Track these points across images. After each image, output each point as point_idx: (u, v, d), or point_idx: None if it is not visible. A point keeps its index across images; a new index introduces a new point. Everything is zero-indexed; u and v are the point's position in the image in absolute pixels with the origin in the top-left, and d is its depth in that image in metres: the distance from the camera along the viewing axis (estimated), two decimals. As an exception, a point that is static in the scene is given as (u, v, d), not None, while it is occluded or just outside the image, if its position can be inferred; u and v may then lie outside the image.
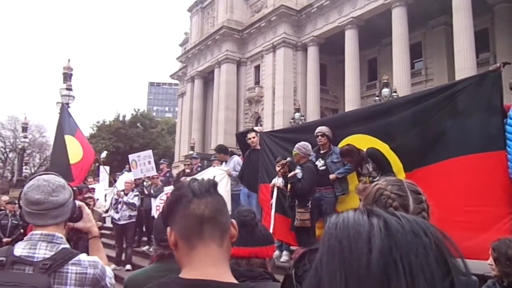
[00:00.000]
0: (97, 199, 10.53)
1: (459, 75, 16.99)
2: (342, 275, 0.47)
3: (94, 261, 1.73)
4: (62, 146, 8.18)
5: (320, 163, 5.58)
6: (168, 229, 1.09)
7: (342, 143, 5.34)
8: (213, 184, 1.11)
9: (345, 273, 0.47)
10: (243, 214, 1.66)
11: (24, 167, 29.37)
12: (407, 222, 0.50)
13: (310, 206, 5.37)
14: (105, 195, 11.79)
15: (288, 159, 5.60)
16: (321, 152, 5.67)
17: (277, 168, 5.86)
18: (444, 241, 0.50)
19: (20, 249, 1.62)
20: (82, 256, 1.70)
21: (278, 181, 5.95)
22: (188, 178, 1.24)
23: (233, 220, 1.15)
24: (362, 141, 5.02)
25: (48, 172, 1.84)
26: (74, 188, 1.93)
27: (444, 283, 0.47)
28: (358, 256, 0.47)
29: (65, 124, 8.62)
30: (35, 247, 1.63)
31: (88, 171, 10.51)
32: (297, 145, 5.48)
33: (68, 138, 8.33)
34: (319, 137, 5.46)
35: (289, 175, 5.44)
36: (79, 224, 1.93)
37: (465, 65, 19.59)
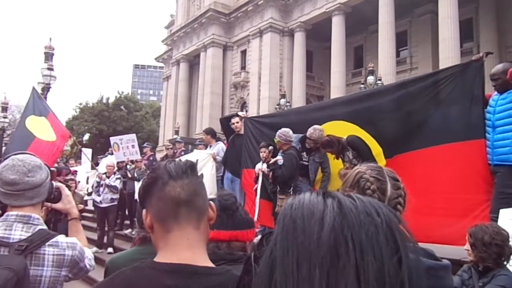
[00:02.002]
0: (79, 182, 10.41)
1: (443, 64, 17.15)
2: (294, 253, 0.48)
3: (73, 242, 1.71)
4: (23, 127, 8.02)
5: (305, 158, 5.61)
6: (144, 211, 1.07)
7: (322, 127, 5.37)
8: (190, 166, 1.08)
9: (297, 251, 0.48)
10: (224, 198, 1.64)
11: (3, 148, 28.79)
12: (361, 203, 0.52)
13: (291, 192, 5.40)
14: (87, 178, 11.67)
15: (271, 147, 5.59)
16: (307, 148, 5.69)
17: (261, 154, 5.87)
18: (396, 222, 0.52)
19: (-5, 230, 1.59)
20: (60, 238, 1.67)
21: (263, 166, 5.96)
22: None
23: (212, 203, 1.13)
24: (341, 128, 5.05)
25: (24, 152, 1.79)
26: (52, 169, 1.89)
27: (392, 259, 0.48)
28: (310, 234, 0.49)
29: (35, 105, 8.42)
30: (10, 228, 1.60)
31: (61, 153, 10.34)
32: (277, 133, 5.48)
33: (39, 119, 8.18)
34: (308, 140, 5.45)
35: (270, 161, 5.46)
36: (58, 205, 1.89)
37: (449, 54, 19.80)
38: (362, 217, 0.49)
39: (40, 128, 8.01)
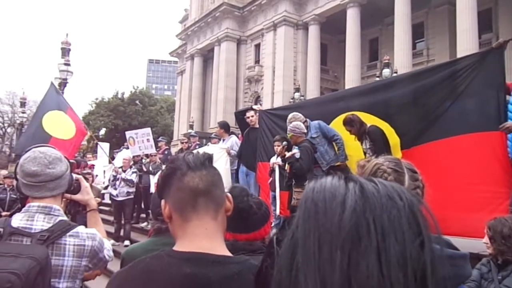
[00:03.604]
0: (96, 176, 10.56)
1: (461, 56, 16.82)
2: (316, 234, 0.49)
3: (92, 233, 1.74)
4: (39, 126, 8.08)
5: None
6: (163, 201, 1.09)
7: (338, 119, 5.34)
8: (208, 158, 1.10)
9: (319, 233, 0.49)
10: (237, 200, 1.61)
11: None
12: (383, 187, 0.52)
13: (307, 184, 5.39)
14: (104, 172, 11.82)
15: (284, 143, 5.59)
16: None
17: (275, 148, 5.86)
18: (419, 206, 0.52)
19: (17, 221, 1.62)
20: (80, 228, 1.70)
21: (278, 159, 5.95)
22: None
23: (229, 194, 1.14)
24: (364, 118, 5.00)
25: (44, 144, 1.82)
26: (72, 161, 1.92)
27: (415, 243, 0.48)
28: (332, 216, 0.49)
29: (53, 100, 8.49)
30: (32, 218, 1.63)
31: (78, 149, 10.44)
32: (289, 127, 5.46)
33: (58, 114, 8.24)
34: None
35: (287, 155, 5.44)
36: (78, 197, 1.93)
37: (467, 46, 19.43)
38: (384, 201, 0.49)
39: (58, 125, 8.07)
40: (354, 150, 5.30)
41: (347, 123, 5.04)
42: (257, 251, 1.52)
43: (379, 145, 4.65)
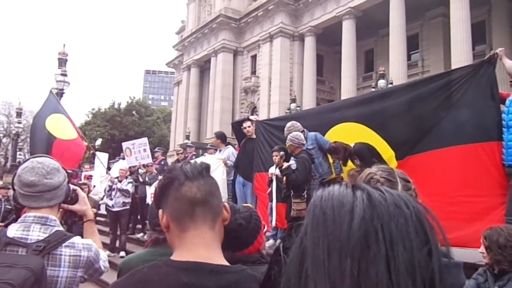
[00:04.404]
0: (94, 186, 10.51)
1: (456, 67, 16.97)
2: (325, 242, 0.50)
3: (88, 244, 1.73)
4: (43, 129, 8.17)
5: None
6: (160, 211, 1.09)
7: (333, 129, 5.36)
8: (205, 167, 1.11)
9: (328, 241, 0.49)
10: (230, 233, 1.56)
11: (18, 153, 29.22)
12: (390, 195, 0.52)
13: (306, 195, 5.38)
14: (101, 182, 11.76)
15: (282, 153, 5.59)
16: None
17: (274, 158, 5.87)
18: (425, 214, 0.53)
19: (13, 231, 1.62)
20: (76, 239, 1.70)
21: (276, 170, 5.95)
22: None
23: (226, 204, 1.15)
24: (354, 131, 5.03)
25: (43, 155, 1.83)
26: (70, 172, 1.92)
27: (422, 251, 0.49)
28: (340, 224, 0.50)
29: (54, 105, 8.61)
30: (28, 229, 1.63)
31: (83, 157, 10.48)
32: (289, 137, 5.48)
33: (59, 117, 8.35)
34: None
35: (283, 166, 5.44)
36: (75, 207, 1.92)
37: (461, 57, 19.62)
38: (391, 209, 0.50)
39: (61, 127, 8.20)
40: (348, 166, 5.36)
41: (332, 152, 5.16)
42: (256, 262, 1.52)
43: (368, 160, 4.72)
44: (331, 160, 5.66)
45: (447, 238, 0.53)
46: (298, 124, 5.72)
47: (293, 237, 0.56)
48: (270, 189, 6.02)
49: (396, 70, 22.93)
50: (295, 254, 0.53)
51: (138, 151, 9.80)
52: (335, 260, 0.48)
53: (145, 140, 10.06)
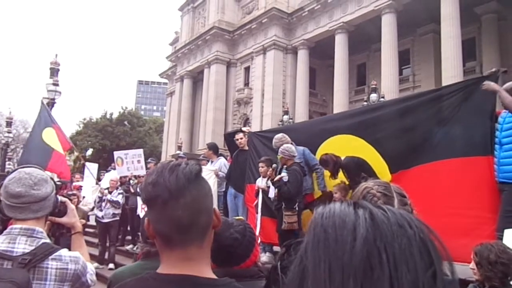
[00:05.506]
0: (83, 197, 10.37)
1: (446, 82, 17.17)
2: (327, 262, 0.48)
3: (76, 256, 1.70)
4: (40, 140, 8.27)
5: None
6: (146, 220, 1.03)
7: (328, 141, 5.38)
8: (196, 173, 1.02)
9: (329, 261, 0.48)
10: (220, 237, 1.51)
11: (7, 163, 28.89)
12: (392, 214, 0.51)
13: (297, 208, 5.37)
14: (92, 192, 11.61)
15: (274, 165, 5.59)
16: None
17: (260, 169, 5.86)
18: (428, 234, 0.51)
19: (-2, 243, 1.58)
20: (63, 252, 1.66)
21: (262, 183, 5.93)
22: None
23: (216, 209, 1.09)
24: (348, 144, 5.05)
25: (31, 165, 1.80)
26: (58, 183, 1.89)
27: (427, 273, 0.48)
28: (343, 244, 0.48)
29: (46, 118, 8.69)
30: (14, 241, 1.59)
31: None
32: (280, 149, 5.48)
33: (51, 131, 8.44)
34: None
35: (275, 179, 5.42)
36: (64, 219, 1.89)
37: (452, 73, 19.89)
38: (394, 229, 0.49)
39: (55, 140, 8.27)
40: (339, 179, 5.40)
41: (323, 164, 5.20)
42: (254, 276, 1.50)
43: (353, 174, 4.77)
44: (315, 176, 5.69)
45: (450, 256, 0.52)
46: (286, 136, 5.75)
47: (291, 256, 0.54)
48: (256, 201, 6.00)
49: (388, 85, 23.18)
50: (294, 273, 0.52)
51: (131, 162, 9.66)
52: (338, 281, 0.47)
53: (140, 151, 9.90)
